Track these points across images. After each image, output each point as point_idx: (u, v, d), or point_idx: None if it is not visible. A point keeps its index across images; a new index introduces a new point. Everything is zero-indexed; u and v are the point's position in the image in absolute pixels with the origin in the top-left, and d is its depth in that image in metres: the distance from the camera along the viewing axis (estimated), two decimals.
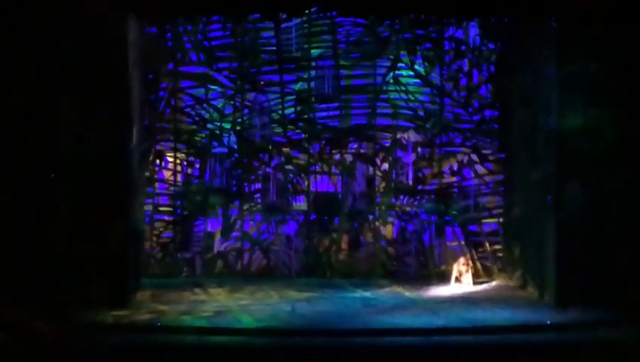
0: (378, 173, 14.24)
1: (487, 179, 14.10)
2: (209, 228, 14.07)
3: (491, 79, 13.98)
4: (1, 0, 10.21)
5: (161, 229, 14.00)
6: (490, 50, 13.91)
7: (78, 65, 10.71)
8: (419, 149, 14.14)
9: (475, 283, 13.14)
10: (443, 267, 13.82)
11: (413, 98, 14.14)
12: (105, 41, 11.08)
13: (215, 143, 14.06)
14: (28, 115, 10.18)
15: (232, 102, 14.12)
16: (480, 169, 14.11)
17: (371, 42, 14.08)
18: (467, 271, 13.13)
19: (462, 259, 13.36)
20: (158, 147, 13.95)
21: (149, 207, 13.79)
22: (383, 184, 14.22)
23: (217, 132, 14.06)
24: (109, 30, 11.10)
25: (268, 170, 14.13)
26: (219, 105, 14.10)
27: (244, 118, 14.17)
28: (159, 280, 13.27)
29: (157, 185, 14.00)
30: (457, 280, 13.07)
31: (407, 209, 14.18)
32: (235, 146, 14.10)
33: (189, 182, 14.07)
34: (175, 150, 14.05)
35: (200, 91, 14.09)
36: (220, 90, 14.10)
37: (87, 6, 10.82)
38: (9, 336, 9.32)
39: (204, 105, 14.06)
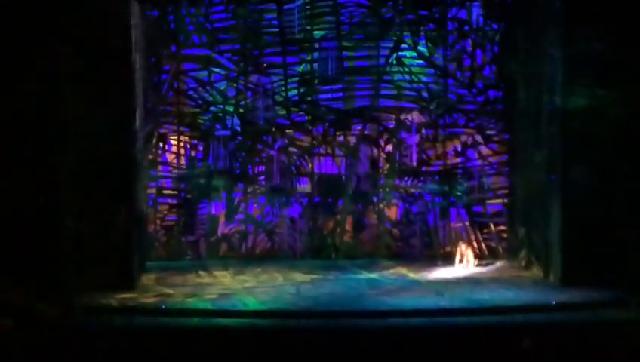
0: (382, 154, 14.21)
1: (492, 160, 14.07)
2: (213, 211, 14.06)
3: (495, 60, 13.92)
4: None
5: (165, 212, 13.99)
6: (494, 31, 13.85)
7: (80, 49, 10.68)
8: (423, 130, 14.11)
9: (478, 264, 13.14)
10: (448, 248, 13.82)
11: (416, 79, 14.09)
12: (107, 25, 11.05)
13: (218, 126, 14.03)
14: (33, 99, 10.16)
15: (234, 85, 14.09)
16: (484, 150, 14.07)
17: (374, 23, 14.02)
18: (468, 252, 13.13)
19: (461, 242, 13.36)
20: (161, 130, 13.92)
21: (152, 191, 13.77)
22: (387, 165, 14.19)
23: (220, 115, 14.03)
24: (111, 14, 11.08)
25: (271, 152, 14.11)
26: (222, 88, 14.06)
27: (247, 100, 14.13)
28: (164, 263, 13.28)
29: (160, 168, 13.98)
30: (460, 261, 13.06)
31: (412, 190, 14.17)
32: (239, 129, 14.07)
33: (192, 165, 14.04)
34: (178, 133, 14.02)
35: (203, 74, 14.04)
36: (222, 72, 14.05)
37: None
38: (14, 320, 9.34)
39: (207, 87, 14.03)
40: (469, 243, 13.41)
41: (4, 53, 10.05)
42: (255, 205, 14.13)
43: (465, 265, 13.01)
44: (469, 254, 13.13)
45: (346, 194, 14.12)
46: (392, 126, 14.15)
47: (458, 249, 13.25)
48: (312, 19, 14.03)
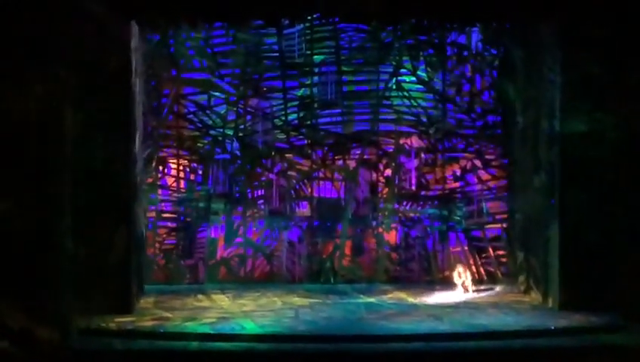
0: (381, 178, 14.22)
1: (491, 184, 14.08)
2: (212, 235, 14.05)
3: (494, 84, 13.97)
4: (4, 7, 10.19)
5: (164, 236, 13.98)
6: (493, 56, 13.91)
7: (81, 72, 10.71)
8: (422, 155, 14.13)
9: (476, 289, 13.11)
10: (447, 272, 13.80)
11: (415, 104, 14.13)
12: (107, 48, 11.10)
13: (218, 150, 14.06)
14: (31, 121, 10.16)
15: (234, 109, 14.12)
16: (483, 174, 14.09)
17: (374, 48, 14.07)
18: (467, 276, 13.10)
19: (460, 266, 13.33)
20: (161, 153, 13.94)
21: (152, 214, 13.78)
22: (386, 190, 14.20)
23: (220, 138, 14.06)
24: (112, 37, 11.13)
25: (271, 176, 14.13)
26: (221, 112, 14.09)
27: (247, 124, 14.16)
28: (162, 287, 13.28)
29: (160, 191, 13.98)
30: (461, 286, 13.04)
31: (411, 214, 14.17)
32: (238, 152, 14.10)
33: (191, 189, 14.05)
34: (178, 156, 14.04)
35: (203, 98, 14.08)
36: (222, 96, 14.09)
37: (90, 13, 10.83)
38: (11, 343, 9.31)
39: (207, 111, 14.06)
40: (467, 266, 13.38)
41: (4, 74, 10.06)
42: (254, 229, 14.12)
43: (463, 288, 12.97)
44: (468, 277, 13.09)
45: (345, 219, 14.12)
46: (391, 150, 14.17)
47: (456, 272, 13.20)
48: (311, 43, 14.08)
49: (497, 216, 14.04)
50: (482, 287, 13.36)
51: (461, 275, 13.08)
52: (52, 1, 10.35)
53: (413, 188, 14.16)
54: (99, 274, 10.91)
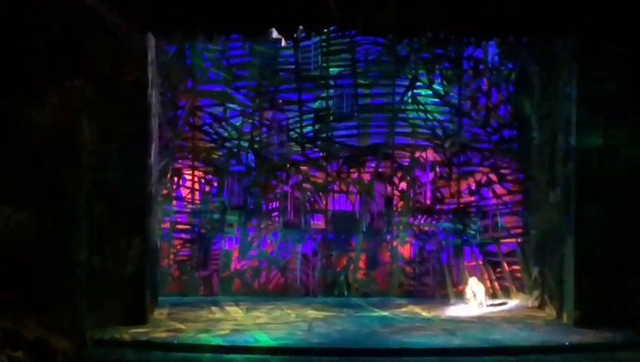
0: (396, 192, 14.21)
1: (506, 199, 14.05)
2: (226, 247, 14.07)
3: (510, 99, 13.94)
4: (23, 19, 10.25)
5: (179, 247, 14.00)
6: (509, 70, 13.89)
7: (98, 83, 10.76)
8: (437, 168, 14.12)
9: (491, 303, 13.06)
10: (461, 287, 13.76)
11: (431, 117, 14.13)
12: (124, 60, 11.16)
13: (233, 161, 14.10)
14: (47, 132, 10.21)
15: (250, 121, 14.16)
16: (498, 189, 14.06)
17: (390, 61, 14.10)
18: (481, 290, 13.05)
19: (473, 280, 13.27)
20: (176, 165, 13.99)
21: (166, 225, 13.81)
22: (401, 203, 14.19)
23: (235, 150, 14.09)
24: (129, 49, 11.17)
25: (285, 188, 14.14)
26: (237, 124, 14.13)
27: (262, 136, 14.20)
28: (176, 298, 13.31)
29: (174, 202, 14.02)
30: (474, 300, 12.99)
31: (425, 228, 14.15)
32: (253, 164, 14.12)
33: (206, 200, 14.08)
34: (193, 168, 14.08)
35: (218, 109, 14.13)
36: (238, 108, 14.13)
37: (107, 25, 10.87)
38: (26, 353, 9.34)
39: (223, 123, 14.10)
40: (480, 280, 13.33)
41: (22, 86, 10.11)
42: (268, 241, 14.13)
43: (477, 303, 12.91)
44: (481, 291, 13.02)
45: (359, 231, 14.12)
46: (406, 164, 14.16)
47: (469, 287, 13.14)
48: (328, 56, 14.11)
49: (512, 231, 14.00)
50: (496, 302, 13.31)
51: (474, 290, 13.02)
52: (69, 13, 10.40)
53: (428, 201, 14.15)
54: (113, 285, 10.94)
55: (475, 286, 13.07)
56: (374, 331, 11.19)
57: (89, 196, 10.61)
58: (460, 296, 13.49)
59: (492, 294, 13.59)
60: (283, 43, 13.41)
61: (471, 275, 13.66)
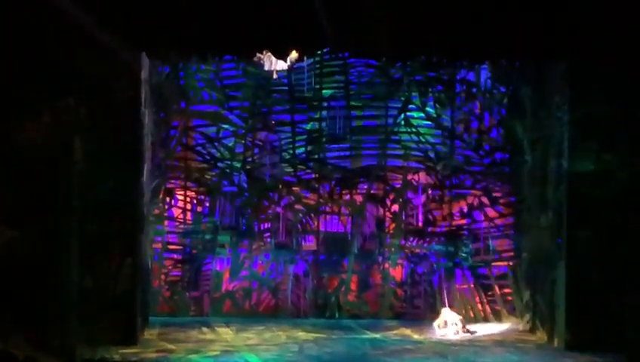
0: (388, 214, 14.22)
1: (498, 222, 14.05)
2: (217, 267, 14.03)
3: (502, 122, 13.98)
4: (16, 38, 10.27)
5: (170, 267, 13.96)
6: (502, 93, 13.93)
7: (90, 102, 10.76)
8: (429, 191, 14.14)
9: (466, 331, 12.86)
10: (452, 309, 13.73)
11: (424, 140, 14.15)
12: (117, 79, 11.16)
13: (225, 182, 14.09)
14: (40, 151, 10.21)
15: (242, 141, 14.15)
16: (490, 212, 14.07)
17: (383, 83, 14.12)
18: (454, 319, 12.85)
19: (446, 309, 13.10)
20: (169, 185, 13.96)
21: (158, 245, 13.78)
22: (393, 225, 14.18)
23: (228, 171, 14.09)
24: (122, 68, 11.18)
25: (277, 209, 14.14)
26: (230, 144, 14.12)
27: (255, 157, 14.19)
28: (167, 319, 13.26)
29: (166, 223, 13.99)
30: (445, 329, 12.79)
31: (417, 251, 14.15)
32: (245, 185, 14.12)
33: (198, 221, 14.05)
34: (185, 188, 14.06)
35: (211, 130, 14.12)
36: (231, 128, 14.13)
37: (100, 44, 10.89)
38: None
39: (215, 143, 14.10)
40: (471, 303, 13.27)
41: (15, 104, 10.12)
42: (260, 262, 14.11)
43: (447, 330, 12.73)
44: (453, 319, 12.83)
45: (351, 253, 14.11)
46: (398, 186, 14.17)
47: (441, 315, 12.99)
48: (321, 78, 14.13)
49: (504, 254, 14.00)
50: (487, 325, 13.31)
51: (445, 318, 12.82)
52: (62, 32, 10.43)
53: (420, 224, 14.14)
54: (104, 305, 10.90)
55: (447, 315, 12.91)
56: (365, 353, 11.17)
57: (81, 215, 10.59)
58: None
59: (483, 318, 13.57)
60: (275, 75, 13.39)
61: (462, 298, 13.64)
